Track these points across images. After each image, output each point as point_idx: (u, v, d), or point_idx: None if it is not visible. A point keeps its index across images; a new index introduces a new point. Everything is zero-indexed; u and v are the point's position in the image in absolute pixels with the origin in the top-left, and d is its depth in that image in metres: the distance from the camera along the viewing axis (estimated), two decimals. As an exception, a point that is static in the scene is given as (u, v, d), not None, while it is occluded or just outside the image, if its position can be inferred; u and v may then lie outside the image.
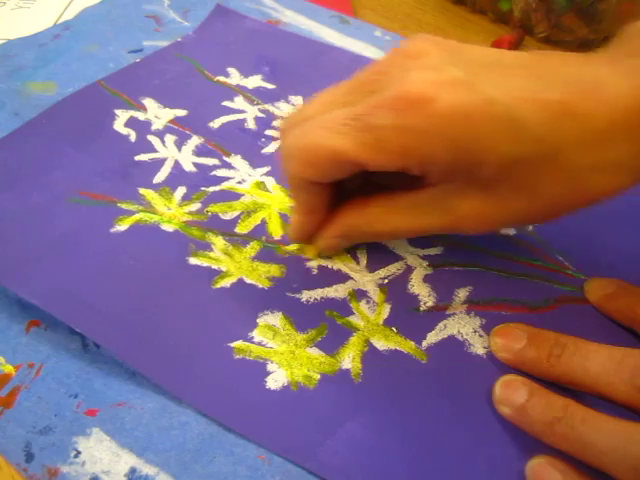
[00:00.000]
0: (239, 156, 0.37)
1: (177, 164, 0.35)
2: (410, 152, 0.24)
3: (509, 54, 0.25)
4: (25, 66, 0.41)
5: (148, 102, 0.39)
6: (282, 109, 0.40)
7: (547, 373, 0.25)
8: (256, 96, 0.41)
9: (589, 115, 0.23)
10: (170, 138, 0.37)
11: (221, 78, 0.42)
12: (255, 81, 0.42)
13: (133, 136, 0.37)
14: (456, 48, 0.25)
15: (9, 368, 0.26)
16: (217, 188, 0.34)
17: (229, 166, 0.36)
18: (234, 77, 0.42)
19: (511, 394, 0.24)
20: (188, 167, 0.35)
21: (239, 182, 0.35)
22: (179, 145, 0.37)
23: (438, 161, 0.24)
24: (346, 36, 0.48)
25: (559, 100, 0.23)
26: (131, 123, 0.38)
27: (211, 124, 0.38)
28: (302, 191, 0.28)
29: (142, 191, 0.33)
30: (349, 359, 0.27)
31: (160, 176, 0.35)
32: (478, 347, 0.28)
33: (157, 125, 0.38)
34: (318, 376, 0.26)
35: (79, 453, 0.24)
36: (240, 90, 0.41)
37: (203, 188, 0.34)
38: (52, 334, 0.27)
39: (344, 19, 0.50)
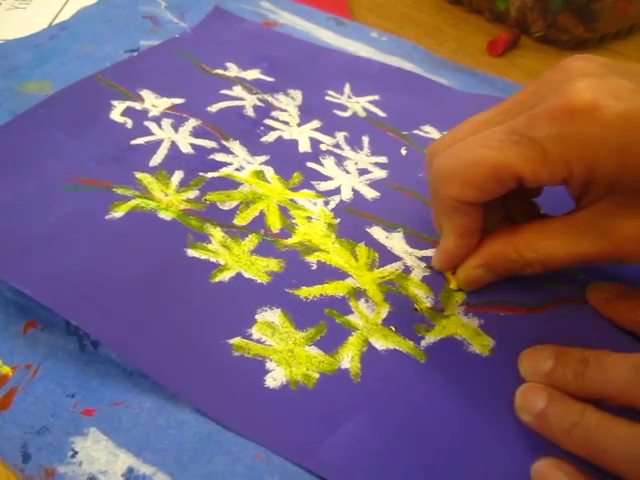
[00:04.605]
0: (237, 141, 0.36)
1: (174, 145, 0.35)
2: (575, 163, 0.23)
3: None
4: (21, 66, 0.41)
5: (145, 93, 0.39)
6: (281, 101, 0.40)
7: (576, 392, 0.24)
8: (255, 86, 0.41)
9: None
10: (167, 121, 0.37)
11: (219, 71, 0.42)
12: (254, 74, 0.42)
13: (130, 124, 0.37)
14: (614, 63, 0.25)
15: (6, 369, 0.26)
16: (215, 174, 0.34)
17: (227, 151, 0.36)
18: (232, 70, 0.42)
19: (531, 400, 0.24)
20: (185, 148, 0.35)
21: (237, 169, 0.35)
22: (176, 127, 0.37)
23: (604, 171, 0.23)
24: (343, 37, 0.48)
25: None
26: (128, 112, 0.38)
27: (209, 108, 0.38)
28: (455, 214, 0.27)
29: (138, 175, 0.33)
30: (348, 359, 0.27)
31: (156, 158, 0.34)
32: (477, 347, 0.28)
33: (154, 112, 0.38)
34: (317, 375, 0.26)
35: (76, 453, 0.23)
36: (238, 80, 0.41)
37: (201, 173, 0.34)
38: (49, 335, 0.27)
39: (340, 21, 0.50)
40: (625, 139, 0.22)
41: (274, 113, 0.39)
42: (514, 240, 0.27)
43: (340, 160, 0.37)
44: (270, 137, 0.37)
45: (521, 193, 0.28)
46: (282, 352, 0.26)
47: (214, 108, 0.39)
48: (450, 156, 0.26)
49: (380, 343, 0.27)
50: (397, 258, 0.31)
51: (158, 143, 0.35)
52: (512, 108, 0.25)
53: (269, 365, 0.26)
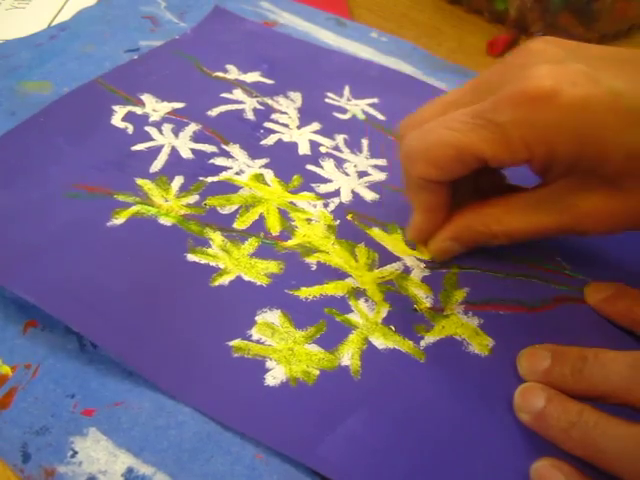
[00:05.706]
0: (237, 145, 0.36)
1: (174, 151, 0.35)
2: (535, 146, 0.24)
3: (628, 51, 0.25)
4: (21, 66, 0.41)
5: (146, 97, 0.39)
6: (281, 103, 0.40)
7: (574, 390, 0.24)
8: (255, 89, 0.41)
9: None
10: (167, 127, 0.37)
11: (219, 74, 0.42)
12: (254, 77, 0.42)
13: (130, 129, 0.37)
14: (574, 45, 0.26)
15: (6, 369, 0.26)
16: (215, 179, 0.34)
17: (227, 155, 0.36)
18: (232, 73, 0.42)
19: (529, 400, 0.24)
20: (185, 154, 0.35)
21: (237, 173, 0.35)
22: (176, 132, 0.37)
23: (563, 154, 0.24)
24: (343, 38, 0.48)
25: None
26: (128, 117, 0.37)
27: (209, 112, 0.38)
28: (423, 191, 0.28)
29: (139, 181, 0.33)
30: (348, 356, 0.27)
31: (157, 164, 0.34)
32: (476, 347, 0.28)
33: (155, 117, 0.38)
34: (317, 372, 0.26)
35: (76, 453, 0.23)
36: (239, 84, 0.41)
37: (201, 178, 0.34)
38: (49, 334, 0.27)
39: (340, 21, 0.50)
40: (580, 125, 0.23)
41: (274, 116, 0.39)
42: (482, 214, 0.28)
43: (340, 162, 0.37)
44: (270, 140, 0.37)
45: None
46: (282, 351, 0.26)
47: (214, 112, 0.38)
48: (418, 137, 0.27)
49: (380, 342, 0.27)
50: (397, 258, 0.31)
51: (159, 149, 0.35)
52: (479, 88, 0.26)
53: (269, 364, 0.26)
